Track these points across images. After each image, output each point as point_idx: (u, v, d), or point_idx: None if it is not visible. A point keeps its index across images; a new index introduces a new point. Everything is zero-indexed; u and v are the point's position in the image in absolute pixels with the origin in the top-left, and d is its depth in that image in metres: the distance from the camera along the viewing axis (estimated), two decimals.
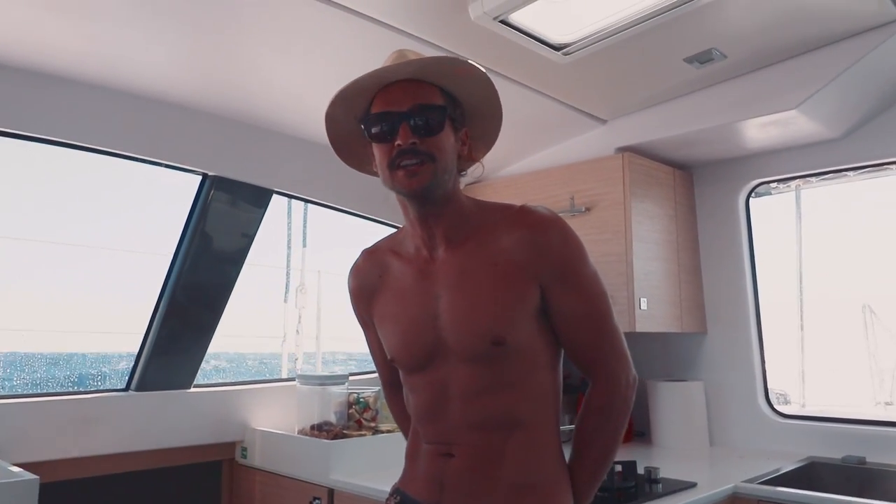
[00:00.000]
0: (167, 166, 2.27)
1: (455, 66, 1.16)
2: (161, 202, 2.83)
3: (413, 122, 1.13)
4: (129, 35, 1.80)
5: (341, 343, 4.30)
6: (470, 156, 1.25)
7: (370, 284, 1.31)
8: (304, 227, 4.00)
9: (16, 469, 1.76)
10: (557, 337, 1.22)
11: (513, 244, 1.16)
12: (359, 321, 1.39)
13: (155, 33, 1.80)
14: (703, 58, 2.12)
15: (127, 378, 2.35)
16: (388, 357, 1.28)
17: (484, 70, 1.18)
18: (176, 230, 2.36)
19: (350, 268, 1.36)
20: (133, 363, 2.35)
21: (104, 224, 3.01)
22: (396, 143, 1.13)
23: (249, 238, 2.46)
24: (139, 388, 2.32)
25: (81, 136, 2.04)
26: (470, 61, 1.16)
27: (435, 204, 1.19)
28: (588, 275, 1.20)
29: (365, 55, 1.94)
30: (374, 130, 1.17)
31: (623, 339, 1.24)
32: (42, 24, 1.71)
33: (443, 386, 1.19)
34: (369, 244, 1.36)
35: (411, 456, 1.29)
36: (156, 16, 1.72)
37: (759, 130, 2.37)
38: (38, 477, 1.67)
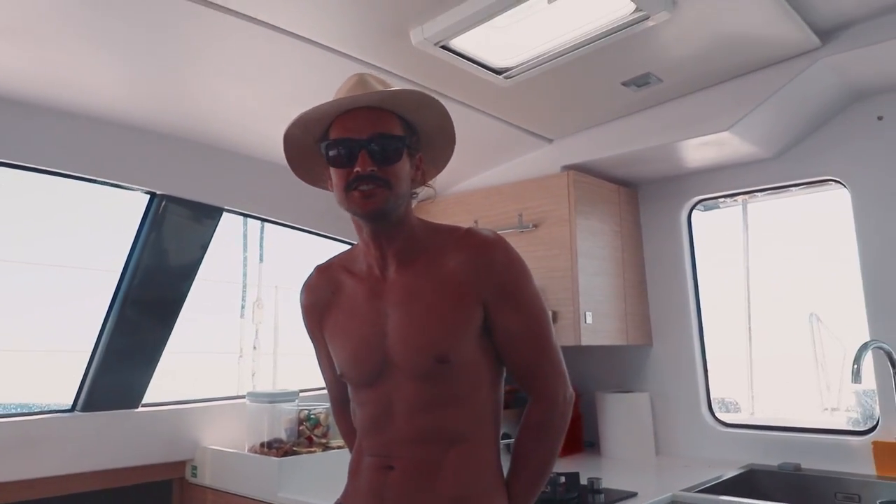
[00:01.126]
0: (114, 185, 2.26)
1: (415, 99, 1.22)
2: (111, 221, 2.81)
3: (372, 150, 1.18)
4: (78, 58, 1.80)
5: (300, 357, 4.29)
6: (422, 179, 1.31)
7: (322, 301, 1.34)
8: (261, 242, 4.00)
9: None
10: (499, 354, 1.27)
11: (458, 265, 1.22)
12: (309, 336, 1.42)
13: (104, 56, 1.81)
14: (640, 81, 2.20)
15: (73, 397, 2.33)
16: (338, 372, 1.31)
17: (442, 104, 1.24)
18: (125, 248, 2.35)
19: (302, 284, 1.39)
20: (79, 382, 2.33)
21: (54, 243, 2.98)
22: (355, 169, 1.18)
23: (200, 253, 2.46)
24: (85, 409, 2.29)
25: (29, 157, 2.03)
26: (430, 95, 1.22)
27: (388, 225, 1.24)
28: (529, 295, 1.26)
29: (313, 78, 1.99)
30: (332, 154, 1.21)
31: (561, 358, 1.29)
32: None
33: (388, 400, 1.23)
34: (324, 260, 1.40)
35: (354, 471, 1.32)
36: (105, 39, 1.73)
37: (697, 150, 2.47)
38: None
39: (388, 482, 1.22)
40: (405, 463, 1.22)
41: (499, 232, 1.31)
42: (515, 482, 1.26)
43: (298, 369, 4.42)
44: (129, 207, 2.36)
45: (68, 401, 2.32)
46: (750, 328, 4.24)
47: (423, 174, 1.31)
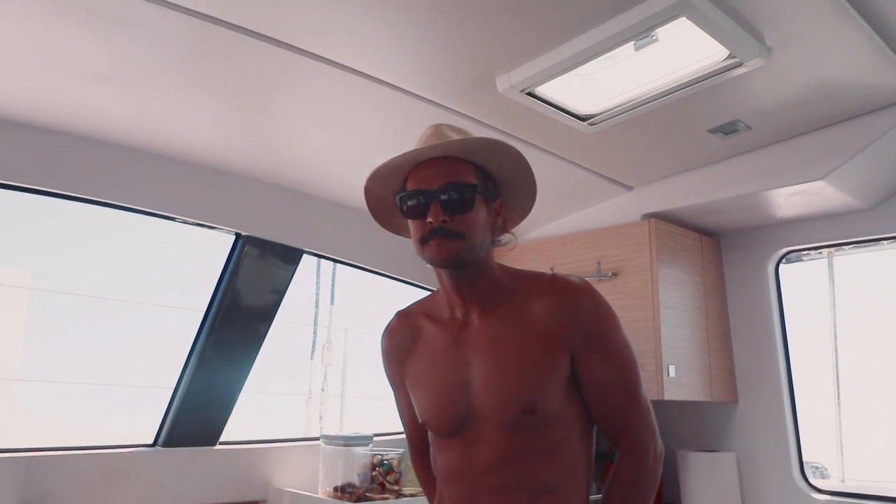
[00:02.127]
0: (202, 225, 2.35)
1: (486, 146, 1.21)
2: (195, 261, 2.92)
3: (444, 201, 1.17)
4: (175, 104, 1.91)
5: (367, 401, 4.29)
6: (503, 227, 1.29)
7: (403, 347, 1.33)
8: (333, 285, 4.07)
9: None
10: (586, 404, 1.22)
11: (544, 312, 1.19)
12: (389, 382, 1.41)
13: (198, 102, 1.91)
14: (727, 129, 2.16)
15: (155, 433, 2.38)
16: (420, 420, 1.29)
17: (516, 148, 1.22)
18: (209, 288, 2.43)
19: (384, 329, 1.39)
20: (161, 418, 2.38)
21: (142, 281, 3.10)
22: (428, 220, 1.17)
23: (279, 295, 2.51)
24: (166, 444, 2.34)
25: (122, 197, 2.14)
26: (501, 140, 1.21)
27: (467, 273, 1.22)
28: (618, 343, 1.22)
29: (396, 124, 2.03)
30: (407, 207, 1.21)
31: (651, 411, 1.24)
32: (91, 93, 1.82)
33: (472, 450, 1.20)
34: (400, 304, 1.39)
35: None
36: (200, 86, 1.82)
37: (787, 199, 2.38)
38: None
39: None
40: None
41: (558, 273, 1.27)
42: None
43: (365, 413, 4.42)
44: (214, 250, 2.45)
45: (149, 437, 2.37)
46: (838, 387, 4.00)
47: (504, 220, 1.29)
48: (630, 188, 2.62)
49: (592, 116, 2.06)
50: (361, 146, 2.18)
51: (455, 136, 1.22)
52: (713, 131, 2.17)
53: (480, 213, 1.20)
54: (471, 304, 1.24)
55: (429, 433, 1.31)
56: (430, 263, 1.21)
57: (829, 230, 2.54)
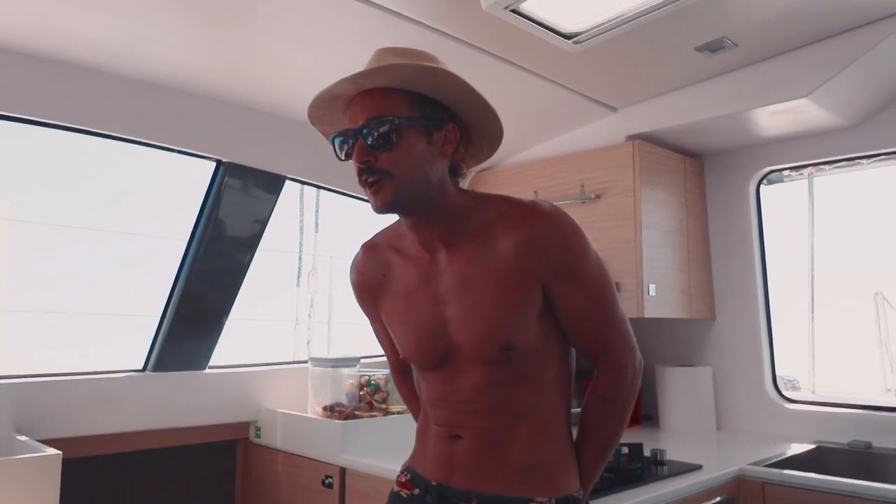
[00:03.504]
0: (182, 153, 2.31)
1: (410, 73, 1.10)
2: (177, 188, 2.88)
3: (368, 139, 1.10)
4: (146, 24, 1.83)
5: (353, 326, 4.36)
6: (466, 154, 1.22)
7: (373, 281, 1.30)
8: (317, 212, 4.06)
9: (40, 445, 1.83)
10: (563, 331, 1.23)
11: (512, 247, 1.15)
12: (364, 312, 1.40)
13: (171, 23, 1.83)
14: (714, 46, 2.12)
15: (144, 359, 2.41)
16: (401, 356, 1.30)
17: (444, 69, 1.12)
18: (191, 216, 2.41)
19: (351, 263, 1.36)
20: (150, 344, 2.41)
21: (121, 209, 3.07)
22: (354, 162, 1.13)
23: (262, 224, 2.50)
24: (156, 369, 2.38)
25: (99, 123, 2.07)
26: (420, 64, 1.10)
27: (421, 213, 1.18)
28: (590, 268, 1.20)
29: (377, 43, 1.97)
30: (340, 150, 1.16)
31: (629, 327, 1.26)
32: (67, 15, 1.74)
33: (455, 380, 1.22)
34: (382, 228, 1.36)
35: (421, 436, 1.33)
36: (172, 5, 1.75)
37: (771, 118, 2.38)
38: (60, 452, 1.73)
39: (456, 449, 1.22)
40: (473, 433, 1.21)
41: (559, 203, 1.25)
42: (584, 452, 1.25)
43: (352, 338, 4.49)
44: (195, 178, 2.40)
45: (137, 364, 2.40)
46: (812, 306, 4.12)
47: (468, 147, 1.23)
48: (615, 109, 2.59)
49: (577, 35, 2.01)
50: (343, 69, 2.10)
51: (394, 60, 1.12)
52: (699, 49, 2.14)
53: (414, 147, 1.12)
54: (434, 242, 1.21)
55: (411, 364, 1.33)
56: (375, 212, 1.15)
57: (812, 149, 2.55)
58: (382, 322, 1.35)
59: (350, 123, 1.14)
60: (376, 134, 1.10)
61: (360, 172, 1.13)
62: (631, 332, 1.26)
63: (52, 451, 1.74)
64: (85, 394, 2.19)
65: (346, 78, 1.11)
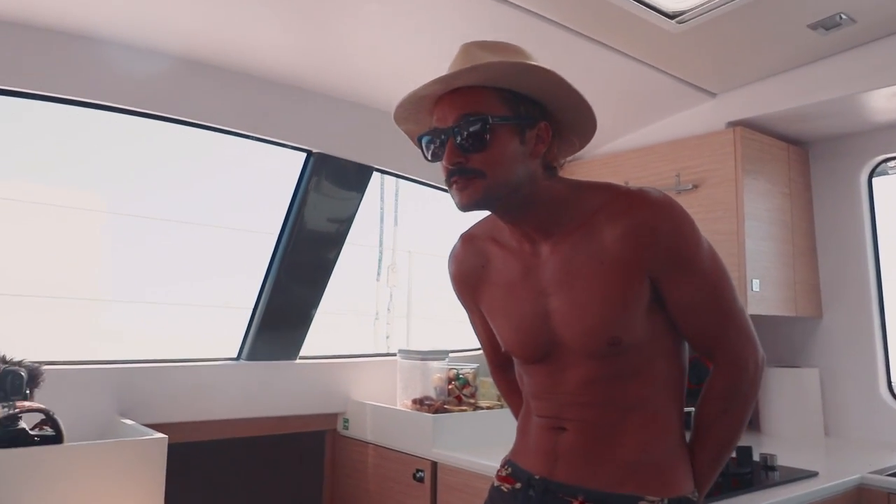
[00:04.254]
0: (273, 143, 2.34)
1: (506, 71, 1.06)
2: (269, 183, 2.93)
3: (459, 139, 1.06)
4: (240, 15, 1.85)
5: (432, 322, 4.35)
6: (556, 153, 1.16)
7: (473, 273, 1.28)
8: (396, 206, 4.07)
9: (146, 429, 1.88)
10: (675, 326, 1.16)
11: (617, 238, 1.09)
12: (463, 305, 1.37)
13: (264, 14, 1.85)
14: (829, 23, 1.98)
15: (238, 348, 2.46)
16: (503, 349, 1.26)
17: (541, 66, 1.07)
18: (281, 210, 2.44)
19: (450, 254, 1.33)
20: (243, 335, 2.46)
21: (215, 204, 3.15)
22: (443, 163, 1.09)
23: (350, 216, 2.51)
24: (249, 358, 2.42)
25: (193, 113, 2.12)
26: (518, 62, 1.06)
27: (512, 209, 1.13)
28: (703, 259, 1.12)
29: (469, 30, 1.93)
30: (427, 151, 1.13)
31: (748, 320, 1.17)
32: (159, 5, 1.78)
33: (559, 374, 1.17)
34: (462, 226, 1.32)
35: (522, 430, 1.28)
36: None
37: (888, 101, 2.21)
38: (166, 436, 1.77)
39: (561, 442, 1.17)
40: (579, 426, 1.15)
41: (630, 185, 1.15)
42: (698, 452, 1.17)
43: (429, 333, 4.49)
44: (286, 174, 2.44)
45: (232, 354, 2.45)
46: None
47: (560, 145, 1.17)
48: (713, 95, 2.47)
49: (682, 13, 1.92)
50: (430, 56, 2.08)
51: (483, 55, 1.07)
52: (812, 27, 2.00)
53: (507, 146, 1.07)
54: (533, 235, 1.16)
55: (513, 358, 1.28)
56: (458, 209, 1.11)
57: None
58: (481, 315, 1.31)
59: (438, 123, 1.10)
60: (468, 133, 1.06)
61: (450, 174, 1.08)
62: (751, 325, 1.18)
63: (158, 434, 1.78)
64: (183, 380, 2.25)
65: (436, 79, 1.07)
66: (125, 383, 2.13)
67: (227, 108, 2.17)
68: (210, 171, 2.99)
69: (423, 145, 1.13)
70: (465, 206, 1.09)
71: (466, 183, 1.07)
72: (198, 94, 2.11)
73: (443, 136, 1.08)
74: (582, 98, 1.11)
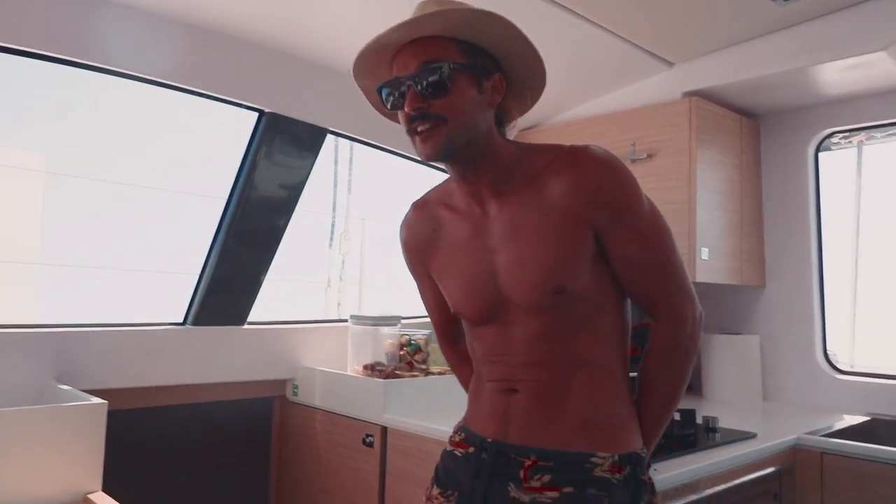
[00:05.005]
0: (225, 101, 2.24)
1: (465, 20, 1.08)
2: (215, 145, 2.83)
3: (419, 85, 1.08)
4: None
5: (384, 289, 4.32)
6: (511, 105, 1.20)
7: (424, 238, 1.29)
8: (350, 173, 3.99)
9: (85, 394, 1.81)
10: (618, 280, 1.18)
11: (562, 191, 1.12)
12: (412, 273, 1.37)
13: None
14: None
15: (184, 313, 2.39)
16: (452, 311, 1.27)
17: (502, 16, 1.09)
18: (230, 173, 2.35)
19: (401, 221, 1.34)
20: (189, 299, 2.38)
21: (163, 166, 3.02)
22: (405, 109, 1.10)
23: (302, 181, 2.44)
24: (195, 323, 2.35)
25: (139, 66, 2.01)
26: (482, 10, 1.08)
27: (469, 162, 1.15)
28: (643, 214, 1.15)
29: None
30: (387, 100, 1.14)
31: (687, 276, 1.20)
32: None
33: (508, 333, 1.18)
34: (416, 193, 1.33)
35: (474, 396, 1.29)
36: None
37: (839, 75, 2.25)
38: (106, 402, 1.71)
39: (512, 403, 1.18)
40: (529, 386, 1.17)
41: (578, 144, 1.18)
42: (645, 408, 1.20)
43: (382, 301, 4.46)
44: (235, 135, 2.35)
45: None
46: (856, 278, 4.00)
47: (513, 98, 1.19)
48: (671, 64, 2.48)
49: None
50: (388, 14, 2.02)
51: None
52: None
53: (468, 93, 1.10)
54: (483, 191, 1.18)
55: (463, 322, 1.29)
56: (423, 160, 1.13)
57: (879, 109, 2.43)
58: (430, 283, 1.32)
59: (399, 72, 1.12)
60: (430, 80, 1.08)
61: (412, 120, 1.10)
62: (689, 281, 1.20)
63: (97, 400, 1.72)
64: (126, 345, 2.17)
65: (398, 25, 1.08)
66: (64, 348, 2.04)
67: (176, 62, 2.06)
68: (157, 133, 2.86)
69: (384, 96, 1.14)
70: (429, 156, 1.11)
71: (429, 133, 1.09)
72: (145, 46, 1.99)
73: (404, 86, 1.10)
74: (535, 49, 1.14)
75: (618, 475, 1.12)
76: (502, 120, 1.20)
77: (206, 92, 2.17)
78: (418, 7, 1.13)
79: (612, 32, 2.22)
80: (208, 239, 2.37)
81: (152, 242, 3.14)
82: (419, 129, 1.10)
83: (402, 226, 1.34)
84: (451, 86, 1.08)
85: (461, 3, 1.12)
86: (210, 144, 2.85)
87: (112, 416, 1.72)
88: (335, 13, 2.04)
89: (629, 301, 1.23)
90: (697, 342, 1.20)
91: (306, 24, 2.10)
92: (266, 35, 2.15)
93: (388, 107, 1.14)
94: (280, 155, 2.34)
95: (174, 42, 2.04)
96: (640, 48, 2.35)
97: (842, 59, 2.10)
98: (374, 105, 1.24)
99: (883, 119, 2.45)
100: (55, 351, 2.02)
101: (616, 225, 1.12)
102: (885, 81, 2.28)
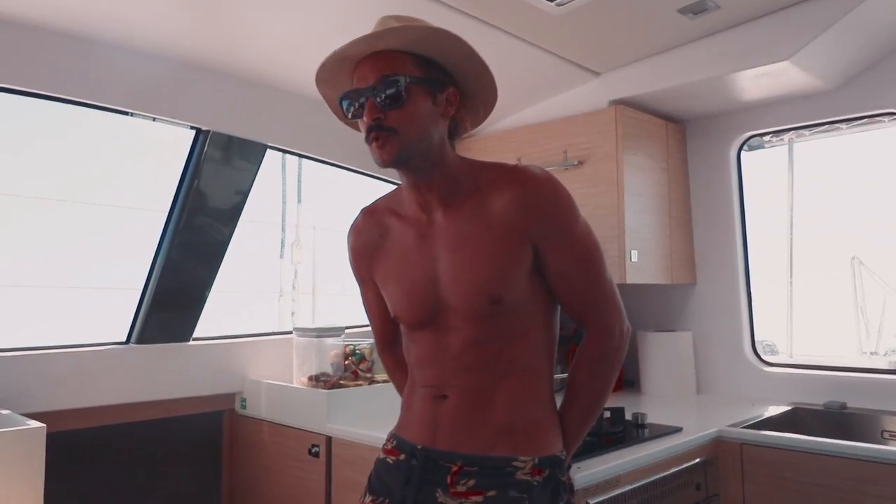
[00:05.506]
0: (161, 120, 2.26)
1: (421, 37, 1.16)
2: (156, 158, 2.83)
3: (378, 97, 1.16)
4: None
5: (338, 298, 4.35)
6: (464, 118, 1.27)
7: (371, 244, 1.34)
8: (299, 183, 4.01)
9: (23, 418, 1.81)
10: (552, 292, 1.26)
11: (505, 206, 1.20)
12: (356, 278, 1.43)
13: None
14: (696, 8, 2.10)
15: (127, 331, 2.39)
16: (392, 315, 1.32)
17: (454, 34, 1.18)
18: (171, 186, 2.36)
19: (350, 227, 1.39)
20: (132, 317, 2.39)
21: (100, 181, 3.01)
22: (364, 119, 1.17)
23: (244, 194, 2.46)
24: (139, 341, 2.36)
25: (77, 91, 2.02)
26: (437, 28, 1.17)
27: (421, 171, 1.22)
28: (578, 231, 1.24)
29: (356, 5, 1.93)
30: (348, 110, 1.21)
31: (616, 292, 1.28)
32: None
33: (443, 338, 1.24)
34: (366, 201, 1.39)
35: (407, 403, 1.34)
36: None
37: (752, 82, 2.37)
38: (44, 425, 1.72)
39: (441, 410, 1.24)
40: (458, 392, 1.23)
41: (519, 164, 1.27)
42: (568, 413, 1.27)
43: (336, 309, 4.49)
44: (175, 148, 2.36)
45: (120, 338, 2.38)
46: (791, 271, 4.17)
47: (465, 111, 1.27)
48: (597, 74, 2.57)
49: None
50: (323, 31, 2.07)
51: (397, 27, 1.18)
52: (682, 11, 2.12)
53: (421, 106, 1.18)
54: (432, 201, 1.25)
55: (401, 326, 1.34)
56: (379, 165, 1.20)
57: (792, 113, 2.56)
58: (374, 289, 1.38)
59: (359, 83, 1.19)
60: (388, 92, 1.15)
61: (370, 129, 1.17)
62: (618, 297, 1.29)
63: (35, 423, 1.73)
64: (67, 367, 2.17)
65: (361, 38, 1.16)
66: (3, 371, 2.03)
67: (108, 84, 2.07)
68: (88, 146, 2.85)
69: (344, 106, 1.22)
70: (385, 163, 1.18)
71: (385, 140, 1.16)
72: (76, 69, 2.00)
73: (363, 97, 1.17)
74: (486, 66, 1.23)
75: (538, 477, 1.18)
76: (456, 131, 1.28)
77: (144, 113, 2.19)
78: (379, 22, 1.21)
79: (539, 46, 2.31)
80: (148, 254, 2.38)
81: (96, 260, 3.12)
82: (376, 138, 1.17)
83: (350, 231, 1.40)
84: (408, 97, 1.16)
85: (418, 20, 1.20)
86: (148, 158, 2.85)
87: (56, 438, 1.72)
88: (271, 32, 2.07)
89: (559, 312, 1.31)
90: (623, 353, 1.28)
91: (242, 42, 2.14)
92: (202, 54, 2.17)
93: (349, 116, 1.22)
94: (220, 170, 2.36)
95: (108, 65, 2.06)
96: (567, 60, 2.44)
97: (752, 68, 2.21)
98: (334, 111, 1.31)
99: (796, 122, 2.58)
100: None
101: (553, 240, 1.21)
102: (793, 87, 2.41)
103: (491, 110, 1.33)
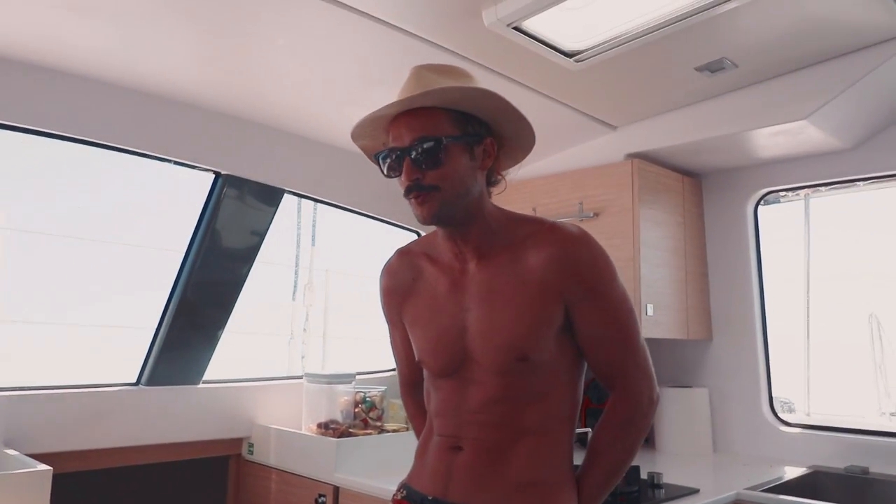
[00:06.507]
0: (180, 164, 2.30)
1: (460, 96, 1.17)
2: (175, 199, 2.86)
3: (415, 157, 1.16)
4: (147, 35, 1.83)
5: (349, 341, 4.32)
6: (500, 165, 1.27)
7: (403, 286, 1.34)
8: (314, 226, 4.03)
9: (30, 460, 1.79)
10: (582, 352, 1.24)
11: (541, 263, 1.18)
12: (386, 317, 1.42)
13: (172, 33, 1.83)
14: (714, 66, 2.13)
15: (137, 373, 2.38)
16: (417, 359, 1.31)
17: (492, 92, 1.17)
18: (188, 227, 2.39)
19: (383, 266, 1.39)
20: (144, 358, 2.38)
21: (118, 220, 3.04)
22: (402, 179, 1.18)
23: (260, 237, 2.48)
24: (149, 383, 2.35)
25: (99, 134, 2.07)
26: (474, 87, 1.17)
27: (458, 224, 1.22)
28: (615, 294, 1.22)
29: (379, 58, 1.98)
30: (385, 168, 1.21)
31: (649, 358, 1.26)
32: (65, 24, 1.74)
33: (465, 390, 1.23)
34: (380, 246, 1.39)
35: (421, 452, 1.32)
36: (173, 15, 1.74)
37: (769, 139, 2.38)
38: (51, 468, 1.70)
39: (456, 461, 1.22)
40: (475, 445, 1.21)
41: (558, 220, 1.26)
42: (587, 476, 1.24)
43: (347, 352, 4.45)
44: (193, 190, 2.39)
45: (131, 378, 2.37)
46: (808, 328, 4.11)
47: (503, 158, 1.27)
48: (614, 128, 2.60)
49: (579, 53, 2.02)
50: (342, 82, 2.11)
51: (435, 79, 1.19)
52: (699, 69, 2.15)
53: (459, 162, 1.18)
54: (467, 252, 1.24)
55: (424, 371, 1.33)
56: (419, 222, 1.21)
57: (809, 170, 2.56)
58: (402, 331, 1.37)
59: (395, 142, 1.19)
60: (424, 152, 1.15)
61: (409, 189, 1.18)
62: (650, 364, 1.26)
63: (42, 466, 1.71)
64: (76, 408, 2.16)
65: (394, 103, 1.17)
66: (10, 412, 2.03)
67: (131, 128, 2.12)
68: (107, 185, 2.90)
69: (381, 162, 1.21)
70: (426, 220, 1.19)
71: (425, 198, 1.16)
72: (101, 114, 2.06)
73: (399, 154, 1.17)
74: (522, 116, 1.22)
75: None
76: (492, 175, 1.27)
77: (162, 156, 2.23)
78: (411, 75, 1.21)
79: (557, 100, 2.34)
80: (165, 295, 2.38)
81: (113, 299, 3.13)
82: (416, 196, 1.17)
83: (383, 270, 1.39)
84: (445, 157, 1.16)
85: (453, 70, 1.21)
86: (167, 198, 2.89)
87: (62, 479, 1.71)
88: (291, 78, 2.12)
89: (584, 373, 1.28)
90: (649, 422, 1.25)
91: (260, 90, 2.19)
92: (221, 100, 2.22)
93: (385, 173, 1.21)
94: (238, 213, 2.39)
95: (131, 109, 2.11)
96: (584, 113, 2.47)
97: (769, 126, 2.23)
98: (371, 160, 1.30)
99: (813, 179, 2.58)
100: (2, 415, 2.01)
101: (587, 301, 1.19)
102: (810, 146, 2.42)
103: (528, 152, 1.32)
